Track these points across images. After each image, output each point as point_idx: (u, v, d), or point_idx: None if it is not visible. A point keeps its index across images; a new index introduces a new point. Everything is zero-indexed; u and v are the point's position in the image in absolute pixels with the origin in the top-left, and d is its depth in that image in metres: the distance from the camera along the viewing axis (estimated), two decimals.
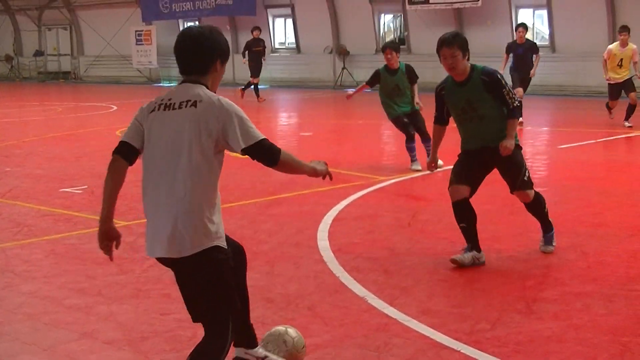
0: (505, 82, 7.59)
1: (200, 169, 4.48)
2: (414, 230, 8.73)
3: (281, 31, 38.77)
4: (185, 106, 4.53)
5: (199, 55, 4.73)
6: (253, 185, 11.53)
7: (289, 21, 37.57)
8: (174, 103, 4.57)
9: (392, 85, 13.14)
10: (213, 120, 4.48)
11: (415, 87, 13.38)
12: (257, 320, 5.90)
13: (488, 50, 31.31)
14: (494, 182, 11.57)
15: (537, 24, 31.44)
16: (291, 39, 37.94)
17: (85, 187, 11.24)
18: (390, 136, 18.73)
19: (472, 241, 7.41)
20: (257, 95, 27.06)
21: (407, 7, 32.11)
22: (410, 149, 12.98)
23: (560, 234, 8.41)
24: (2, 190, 11.34)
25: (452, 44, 7.70)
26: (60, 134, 18.42)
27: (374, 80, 13.41)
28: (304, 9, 35.98)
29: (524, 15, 31.22)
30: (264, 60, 28.01)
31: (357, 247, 7.99)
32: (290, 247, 8.01)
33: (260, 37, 28.07)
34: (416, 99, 13.25)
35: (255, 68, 27.28)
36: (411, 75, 13.37)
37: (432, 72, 32.63)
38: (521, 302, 6.26)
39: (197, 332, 5.76)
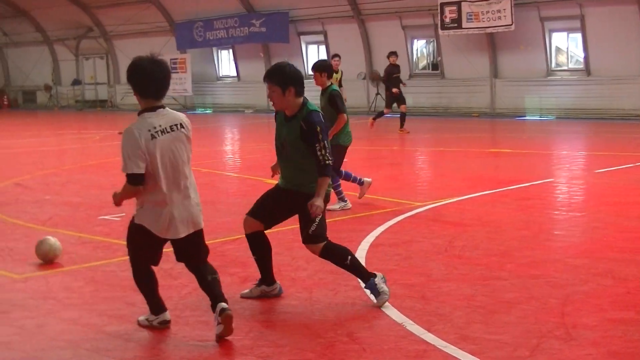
0: (323, 135, 6.84)
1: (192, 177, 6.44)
2: (450, 257, 8.71)
3: (314, 58, 38.93)
4: (177, 129, 6.28)
5: (168, 82, 6.26)
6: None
7: (322, 47, 37.75)
8: (166, 128, 6.17)
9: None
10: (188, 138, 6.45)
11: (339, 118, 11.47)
12: (295, 346, 5.94)
13: (521, 75, 31.33)
14: (529, 207, 11.58)
15: (571, 47, 31.35)
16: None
17: (124, 214, 11.30)
18: (425, 162, 18.75)
19: (263, 274, 7.31)
20: (402, 125, 24.51)
21: (440, 32, 32.17)
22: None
23: (599, 260, 8.38)
24: (42, 217, 11.47)
25: (270, 78, 7.01)
26: (97, 162, 18.60)
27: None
28: (337, 36, 36.16)
29: (558, 39, 31.17)
30: (404, 85, 26.03)
31: (393, 274, 7.99)
32: (328, 274, 8.03)
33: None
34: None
35: (400, 96, 24.67)
36: (332, 101, 11.51)
37: (465, 97, 32.87)
38: (560, 328, 6.23)
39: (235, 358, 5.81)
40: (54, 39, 48.25)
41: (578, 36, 30.47)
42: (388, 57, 25.47)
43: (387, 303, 6.91)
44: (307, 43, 38.39)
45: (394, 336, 6.14)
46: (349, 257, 7.11)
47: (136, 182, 6.16)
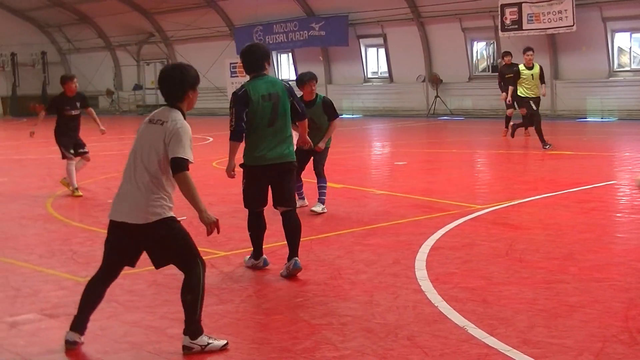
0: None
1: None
2: (511, 260, 8.64)
3: (374, 61, 38.92)
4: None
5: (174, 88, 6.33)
6: (348, 216, 11.58)
7: (382, 50, 37.71)
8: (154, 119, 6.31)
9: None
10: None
11: (333, 124, 11.82)
12: (356, 350, 5.94)
13: (582, 76, 30.95)
14: (590, 210, 11.43)
15: (634, 47, 30.90)
16: (384, 68, 38.06)
17: (184, 217, 11.36)
18: (484, 164, 18.62)
19: (255, 249, 8.69)
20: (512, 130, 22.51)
21: (500, 33, 31.92)
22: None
23: None
24: (105, 221, 11.55)
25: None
26: None
27: None
28: (396, 38, 36.08)
29: (621, 39, 30.73)
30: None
31: (454, 277, 7.96)
32: (388, 277, 8.02)
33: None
34: (322, 143, 11.68)
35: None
36: (328, 109, 11.80)
37: None
38: (625, 332, 6.14)
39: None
40: (115, 45, 48.92)
41: None
42: (502, 57, 24.56)
43: (448, 306, 6.88)
44: (367, 46, 38.37)
45: (455, 340, 6.10)
46: None
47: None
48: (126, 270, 8.63)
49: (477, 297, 7.25)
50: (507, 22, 31.35)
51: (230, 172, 8.60)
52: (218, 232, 6.38)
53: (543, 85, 21.18)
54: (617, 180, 14.68)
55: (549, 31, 30.54)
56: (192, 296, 6.26)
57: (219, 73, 40.53)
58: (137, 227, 6.20)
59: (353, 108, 36.54)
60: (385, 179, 16.25)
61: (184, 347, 6.14)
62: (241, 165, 8.46)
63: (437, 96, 34.56)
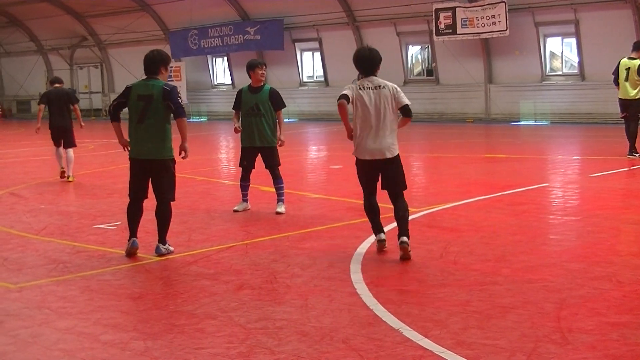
0: None
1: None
2: (445, 262, 8.70)
3: (309, 65, 38.99)
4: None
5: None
6: (284, 219, 11.57)
7: (317, 54, 37.79)
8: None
9: (251, 104, 12.08)
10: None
11: (281, 114, 12.25)
12: (291, 354, 5.92)
13: (516, 80, 31.40)
14: (524, 212, 11.58)
15: (565, 51, 31.42)
16: (319, 72, 38.16)
17: (119, 223, 11.32)
18: (419, 168, 18.75)
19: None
20: None
21: (435, 38, 32.25)
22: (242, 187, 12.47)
23: (595, 263, 8.38)
24: (37, 227, 11.45)
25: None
26: (91, 171, 18.58)
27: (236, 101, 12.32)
28: (331, 42, 36.24)
29: (553, 44, 31.24)
30: None
31: (389, 280, 7.99)
32: (323, 280, 8.01)
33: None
34: (282, 136, 12.18)
35: None
36: (273, 98, 12.11)
37: (459, 103, 32.91)
38: (556, 332, 6.22)
39: None
40: (48, 49, 48.31)
41: (572, 41, 30.59)
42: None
43: (383, 309, 6.90)
44: (302, 50, 38.46)
45: (390, 342, 6.12)
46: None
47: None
48: (58, 277, 8.53)
49: (411, 299, 7.28)
50: (442, 26, 31.68)
51: (122, 145, 9.64)
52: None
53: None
54: (549, 182, 14.89)
55: (483, 35, 30.95)
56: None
57: None
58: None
59: (289, 112, 36.51)
60: (321, 182, 16.27)
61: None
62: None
63: None
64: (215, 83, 43.10)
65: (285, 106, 12.33)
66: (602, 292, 7.37)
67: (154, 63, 9.38)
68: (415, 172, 18.07)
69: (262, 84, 12.17)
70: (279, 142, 12.11)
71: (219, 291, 7.73)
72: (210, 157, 22.43)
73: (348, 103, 8.91)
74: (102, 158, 22.43)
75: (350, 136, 9.24)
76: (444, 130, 28.68)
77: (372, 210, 9.32)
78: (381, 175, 9.22)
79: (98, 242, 10.27)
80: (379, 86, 9.11)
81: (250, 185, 12.39)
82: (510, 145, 22.90)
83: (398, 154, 9.18)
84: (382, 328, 6.46)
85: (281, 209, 11.98)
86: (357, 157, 9.27)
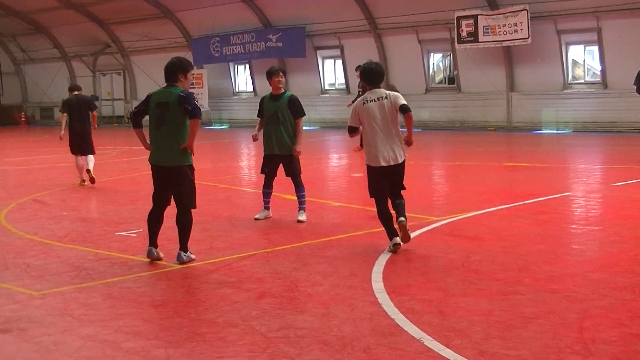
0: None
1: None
2: (467, 271, 8.67)
3: (331, 72, 39.01)
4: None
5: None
6: (305, 227, 11.58)
7: (339, 62, 37.81)
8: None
9: (271, 112, 12.16)
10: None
11: (301, 123, 12.18)
12: None
13: (538, 88, 31.29)
14: (546, 221, 11.52)
15: (588, 60, 31.29)
16: (341, 79, 38.17)
17: (140, 230, 11.35)
18: (441, 176, 18.72)
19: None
20: None
21: (457, 45, 32.18)
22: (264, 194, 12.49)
23: (618, 273, 8.33)
24: (59, 234, 11.51)
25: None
26: (114, 178, 18.66)
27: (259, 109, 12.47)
28: (353, 50, 36.23)
29: (575, 52, 31.10)
30: None
31: (411, 289, 7.97)
32: (345, 289, 8.01)
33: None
34: (298, 146, 12.09)
35: None
36: (292, 106, 12.10)
37: (481, 111, 32.83)
38: (579, 343, 6.19)
39: None
40: (71, 56, 48.59)
41: (595, 49, 30.43)
42: None
43: (404, 318, 6.89)
44: (324, 57, 38.48)
45: (412, 352, 6.10)
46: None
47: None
48: (81, 284, 8.56)
49: (433, 308, 7.26)
50: (464, 34, 31.61)
51: (147, 149, 9.71)
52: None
53: None
54: (572, 191, 14.82)
55: (505, 43, 30.85)
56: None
57: None
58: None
59: (310, 120, 36.50)
60: (342, 190, 16.27)
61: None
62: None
63: None
64: (237, 90, 43.19)
65: (304, 114, 12.24)
66: (625, 302, 7.33)
67: (173, 71, 9.49)
68: (436, 180, 18.04)
69: (282, 91, 12.19)
70: (296, 151, 12.04)
71: (241, 299, 7.74)
72: (232, 164, 22.47)
73: (357, 132, 10.10)
74: (125, 165, 22.53)
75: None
76: (466, 139, 28.61)
77: (386, 217, 9.85)
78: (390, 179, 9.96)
79: (120, 249, 10.31)
80: (382, 97, 9.92)
81: (273, 193, 12.40)
82: (532, 153, 22.82)
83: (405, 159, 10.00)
84: (404, 338, 6.45)
85: (302, 217, 11.99)
86: (371, 166, 9.94)
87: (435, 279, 8.37)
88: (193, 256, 9.47)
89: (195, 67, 40.95)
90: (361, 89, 23.79)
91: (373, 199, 10.02)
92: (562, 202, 13.57)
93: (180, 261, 9.33)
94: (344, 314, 7.18)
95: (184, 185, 9.37)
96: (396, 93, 10.03)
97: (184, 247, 9.43)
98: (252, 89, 41.89)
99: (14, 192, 16.71)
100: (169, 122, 9.29)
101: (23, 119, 50.82)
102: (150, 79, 41.44)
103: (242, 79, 43.11)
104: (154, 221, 9.55)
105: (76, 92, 17.96)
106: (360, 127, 9.98)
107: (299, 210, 12.09)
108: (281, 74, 12.18)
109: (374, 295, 7.72)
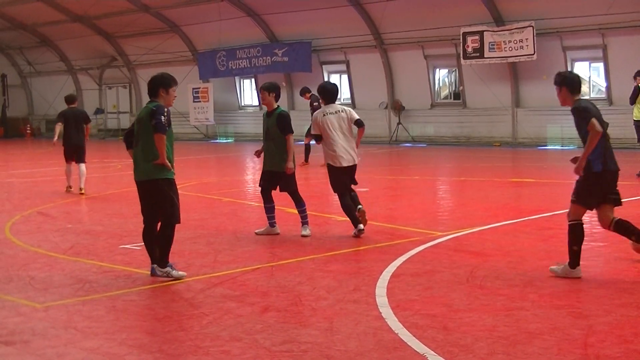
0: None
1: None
2: (472, 287, 8.66)
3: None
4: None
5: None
6: (310, 242, 11.57)
7: (345, 77, 37.86)
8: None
9: (264, 128, 12.24)
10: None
11: (290, 140, 11.91)
12: None
13: (543, 104, 31.29)
14: (551, 237, 11.50)
15: (593, 76, 31.28)
16: (346, 94, 38.21)
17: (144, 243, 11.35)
18: (446, 191, 18.71)
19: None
20: None
21: (462, 61, 32.21)
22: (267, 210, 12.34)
23: (622, 290, 8.32)
24: (64, 246, 11.51)
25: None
26: (119, 191, 18.68)
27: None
28: (359, 65, 36.27)
29: (580, 68, 31.11)
30: None
31: (415, 304, 7.96)
32: (349, 304, 8.00)
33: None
34: (289, 162, 11.86)
35: None
36: (280, 122, 11.93)
37: (486, 126, 32.83)
38: (583, 359, 6.17)
39: None
40: (77, 68, 48.72)
41: (600, 66, 30.43)
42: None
43: (409, 333, 6.87)
44: (330, 72, 38.52)
45: None
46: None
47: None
48: (85, 296, 8.56)
49: (437, 324, 7.25)
50: (469, 50, 31.65)
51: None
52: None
53: None
54: None
55: (510, 59, 30.87)
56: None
57: (182, 98, 40.27)
58: None
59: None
60: None
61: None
62: None
63: (399, 123, 34.73)
64: (243, 104, 43.25)
65: (291, 131, 11.90)
66: (629, 319, 7.31)
67: (154, 85, 9.45)
68: (441, 195, 18.03)
69: (274, 107, 12.03)
70: (287, 168, 11.84)
71: (244, 313, 7.73)
72: (237, 178, 22.47)
73: (321, 139, 11.94)
74: (130, 177, 22.47)
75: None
76: (471, 154, 28.61)
77: (350, 208, 11.81)
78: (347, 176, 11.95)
79: (124, 262, 10.32)
80: (338, 111, 11.95)
81: (277, 207, 12.37)
82: (537, 169, 22.81)
83: None
84: (408, 353, 6.44)
85: (306, 232, 11.98)
86: (335, 166, 11.86)
87: (440, 294, 8.35)
88: (179, 273, 9.25)
89: (201, 81, 41.07)
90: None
91: (337, 194, 11.99)
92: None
93: (153, 274, 9.28)
94: (347, 328, 7.17)
95: (159, 199, 9.26)
96: (351, 109, 12.10)
97: (159, 261, 9.26)
98: (257, 103, 41.96)
99: (18, 204, 16.74)
100: (143, 137, 9.30)
101: (29, 132, 50.91)
102: None
103: (248, 93, 43.16)
104: (148, 239, 9.50)
105: (72, 105, 18.82)
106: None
107: (302, 225, 12.08)
108: (264, 91, 12.07)
109: (378, 310, 7.71)
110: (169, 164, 9.25)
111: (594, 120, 8.76)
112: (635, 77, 21.01)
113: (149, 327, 7.42)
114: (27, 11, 44.15)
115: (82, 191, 18.00)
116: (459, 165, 24.94)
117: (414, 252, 10.53)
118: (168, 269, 9.24)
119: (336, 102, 12.18)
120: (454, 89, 35.25)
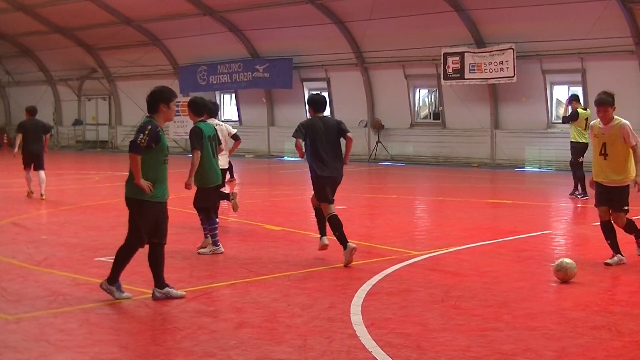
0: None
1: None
2: (447, 307, 8.68)
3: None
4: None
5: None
6: (286, 259, 11.56)
7: (325, 94, 37.90)
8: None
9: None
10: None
11: (193, 155, 11.81)
12: None
13: (522, 126, 31.45)
14: (526, 259, 11.54)
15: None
16: (327, 112, 38.20)
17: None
18: (424, 211, 18.74)
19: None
20: None
21: (442, 82, 32.31)
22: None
23: (596, 313, 8.35)
24: (38, 258, 11.44)
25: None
26: (96, 203, 18.59)
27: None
28: (340, 83, 36.33)
29: (559, 92, 31.31)
30: None
31: (390, 322, 7.96)
32: (324, 321, 7.99)
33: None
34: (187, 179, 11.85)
35: None
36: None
37: (465, 147, 32.95)
38: None
39: None
40: (56, 79, 48.53)
41: (579, 90, 30.62)
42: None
43: (382, 352, 6.87)
44: (310, 89, 38.54)
45: None
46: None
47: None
48: (57, 308, 8.50)
49: (411, 343, 7.25)
50: (450, 70, 31.76)
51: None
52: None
53: None
54: (553, 230, 14.87)
55: (490, 81, 31.01)
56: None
57: None
58: None
59: (295, 151, 36.56)
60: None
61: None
62: None
63: (378, 141, 34.78)
64: (223, 119, 43.21)
65: (193, 147, 11.74)
66: (602, 341, 7.34)
67: (153, 101, 9.19)
68: (419, 215, 18.06)
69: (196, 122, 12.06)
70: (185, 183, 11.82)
71: (219, 329, 7.71)
72: None
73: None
74: (107, 190, 22.46)
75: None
76: (450, 174, 28.69)
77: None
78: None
79: (99, 275, 10.23)
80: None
81: (254, 223, 12.35)
82: (515, 191, 22.91)
83: None
84: None
85: (202, 249, 12.00)
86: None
87: (415, 313, 8.36)
88: (178, 292, 9.01)
89: (181, 95, 41.04)
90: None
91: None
92: (543, 239, 13.61)
93: (101, 287, 9.01)
94: (321, 346, 7.16)
95: (130, 218, 9.04)
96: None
97: (156, 282, 9.01)
98: (237, 118, 41.95)
99: None
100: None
101: (5, 142, 50.62)
102: (135, 105, 41.40)
103: (228, 108, 43.15)
104: (151, 261, 9.10)
105: (31, 117, 20.51)
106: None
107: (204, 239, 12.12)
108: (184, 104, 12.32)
109: (352, 328, 7.71)
110: (144, 186, 8.76)
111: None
112: (571, 102, 21.43)
113: (122, 341, 7.38)
114: (7, 21, 43.96)
115: (43, 197, 19.06)
116: (437, 185, 25.00)
117: (390, 271, 10.54)
118: (167, 289, 8.96)
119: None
120: (433, 109, 35.35)
